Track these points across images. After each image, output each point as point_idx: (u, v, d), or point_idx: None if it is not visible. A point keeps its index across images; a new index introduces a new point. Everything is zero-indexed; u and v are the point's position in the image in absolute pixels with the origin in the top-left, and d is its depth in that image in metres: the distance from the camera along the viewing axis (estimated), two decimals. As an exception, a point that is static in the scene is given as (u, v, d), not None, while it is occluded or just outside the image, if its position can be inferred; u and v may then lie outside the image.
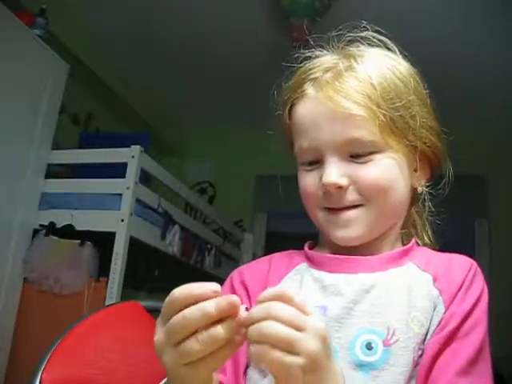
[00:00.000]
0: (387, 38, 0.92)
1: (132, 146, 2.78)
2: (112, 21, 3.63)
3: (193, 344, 0.57)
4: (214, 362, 0.59)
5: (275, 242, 4.77)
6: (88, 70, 3.69)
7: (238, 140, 4.80)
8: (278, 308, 0.58)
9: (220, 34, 3.67)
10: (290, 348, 0.56)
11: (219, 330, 0.57)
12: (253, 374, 0.84)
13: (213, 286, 0.59)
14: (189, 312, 0.58)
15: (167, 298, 0.61)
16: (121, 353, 1.09)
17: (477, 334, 0.78)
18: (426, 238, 0.98)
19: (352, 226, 0.84)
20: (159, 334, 0.61)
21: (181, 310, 0.59)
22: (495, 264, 4.28)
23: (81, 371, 1.01)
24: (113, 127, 4.21)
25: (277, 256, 0.96)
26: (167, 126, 4.87)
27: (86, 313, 1.13)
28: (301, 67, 0.91)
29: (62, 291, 2.59)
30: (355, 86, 0.82)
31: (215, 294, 0.59)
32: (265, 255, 0.97)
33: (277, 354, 0.56)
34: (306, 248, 0.95)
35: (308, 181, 0.87)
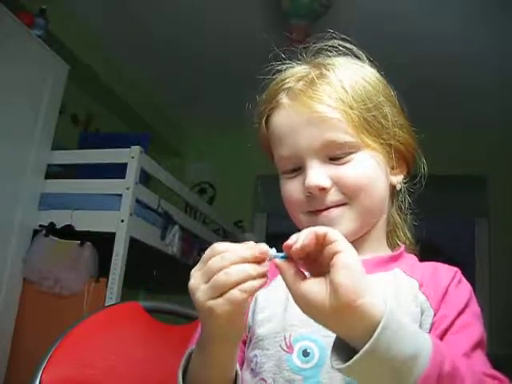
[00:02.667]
0: (353, 45, 0.95)
1: (132, 147, 2.79)
2: (112, 21, 3.63)
3: (221, 276, 0.64)
4: (240, 295, 0.64)
5: (275, 243, 4.78)
6: (88, 70, 3.69)
7: (237, 140, 4.78)
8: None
9: (220, 34, 3.67)
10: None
11: (245, 265, 0.65)
12: (245, 375, 0.86)
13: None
14: (227, 254, 0.66)
15: (209, 248, 0.69)
16: (120, 353, 1.09)
17: (473, 329, 0.79)
18: (404, 237, 1.00)
19: (337, 225, 0.86)
20: (195, 278, 0.68)
21: None
22: (495, 263, 4.28)
23: (80, 371, 1.01)
24: (113, 127, 4.21)
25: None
26: (167, 126, 4.88)
27: (86, 313, 1.14)
28: (273, 79, 0.94)
29: (62, 291, 2.59)
30: (328, 91, 0.86)
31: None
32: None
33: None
34: None
35: (291, 188, 0.90)
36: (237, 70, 3.86)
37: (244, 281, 0.64)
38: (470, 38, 3.39)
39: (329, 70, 0.89)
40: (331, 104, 0.84)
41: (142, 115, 4.44)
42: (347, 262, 0.63)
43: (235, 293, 0.64)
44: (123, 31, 3.73)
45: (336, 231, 0.65)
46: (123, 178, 2.73)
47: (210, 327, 0.70)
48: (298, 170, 0.88)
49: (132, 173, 2.73)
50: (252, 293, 0.65)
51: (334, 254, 0.63)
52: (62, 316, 2.22)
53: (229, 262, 0.65)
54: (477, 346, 0.78)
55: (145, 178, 2.98)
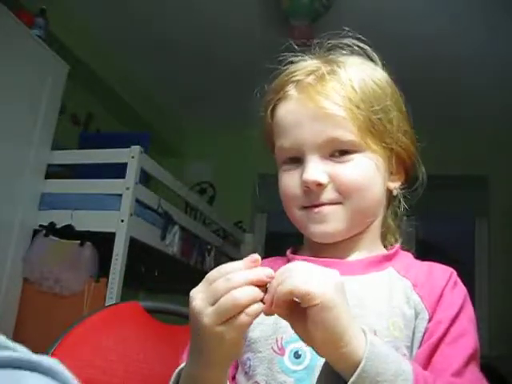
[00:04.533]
0: (368, 46, 0.94)
1: (132, 147, 2.79)
2: (112, 21, 3.63)
3: (228, 300, 0.63)
4: (246, 319, 0.64)
5: (275, 243, 4.78)
6: (88, 70, 3.69)
7: (237, 140, 4.80)
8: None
9: (220, 33, 3.67)
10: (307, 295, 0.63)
11: (252, 289, 0.64)
12: (239, 378, 0.87)
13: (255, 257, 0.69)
14: (232, 276, 0.65)
15: (214, 269, 0.68)
16: (120, 353, 1.09)
17: (468, 339, 0.79)
18: (398, 242, 0.98)
19: (329, 222, 0.86)
20: (198, 300, 0.66)
21: None
22: (494, 263, 4.29)
23: (80, 371, 1.01)
24: (113, 127, 4.21)
25: (262, 262, 0.97)
26: (167, 126, 4.88)
27: (86, 313, 1.13)
28: (284, 70, 0.94)
29: (62, 291, 2.59)
30: (337, 88, 0.86)
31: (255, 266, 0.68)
32: (265, 256, 0.97)
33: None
34: (288, 252, 0.96)
35: (288, 180, 0.90)
36: (237, 69, 3.87)
37: (250, 304, 0.64)
38: (469, 38, 3.39)
39: (340, 68, 0.89)
40: (338, 101, 0.84)
41: (142, 115, 4.44)
42: (322, 318, 0.64)
43: (242, 318, 0.64)
44: (123, 31, 3.73)
45: (300, 283, 0.64)
46: (123, 177, 2.73)
47: (211, 352, 0.69)
48: (297, 162, 0.89)
49: (132, 173, 2.73)
50: (256, 316, 0.65)
51: (309, 307, 0.64)
52: (62, 316, 2.22)
53: (235, 284, 0.64)
54: (470, 359, 0.78)
55: (145, 178, 2.98)
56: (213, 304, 0.65)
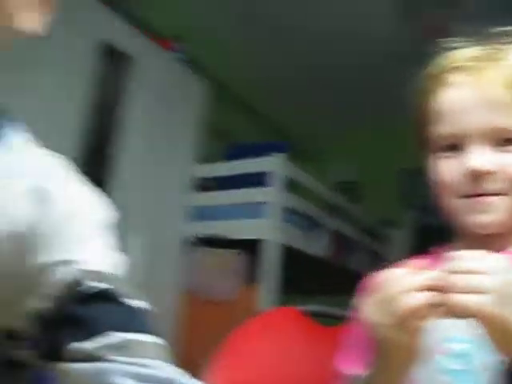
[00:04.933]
0: None
1: (275, 154, 2.87)
2: (241, 28, 3.72)
3: (401, 306, 0.64)
4: (421, 323, 0.65)
5: (426, 237, 4.61)
6: (225, 84, 3.82)
7: (378, 136, 4.73)
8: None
9: (352, 31, 3.63)
10: (478, 289, 0.63)
11: (422, 294, 0.64)
12: None
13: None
14: (402, 282, 0.66)
15: (382, 278, 0.69)
16: (280, 357, 1.11)
17: None
18: None
19: (490, 212, 0.82)
20: (369, 308, 0.68)
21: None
22: None
23: (240, 377, 1.04)
24: (253, 138, 4.31)
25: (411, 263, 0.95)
26: (305, 131, 4.90)
27: (243, 320, 1.17)
28: (441, 56, 0.90)
29: (218, 299, 2.69)
30: (504, 75, 0.82)
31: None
32: (415, 253, 0.95)
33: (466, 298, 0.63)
34: (439, 249, 0.92)
35: (447, 168, 0.86)
36: (370, 67, 3.80)
37: (423, 309, 0.64)
38: None
39: (505, 55, 0.85)
40: (507, 90, 0.81)
41: (281, 124, 4.52)
42: (488, 326, 0.63)
43: (417, 323, 0.65)
44: (257, 41, 3.80)
45: (458, 303, 0.63)
46: (269, 185, 2.80)
47: (389, 358, 0.70)
48: (455, 150, 0.85)
49: (277, 180, 2.80)
50: (429, 320, 0.66)
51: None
52: (220, 323, 2.31)
53: (405, 289, 0.65)
54: None
55: (289, 184, 3.03)
56: (385, 311, 0.66)
